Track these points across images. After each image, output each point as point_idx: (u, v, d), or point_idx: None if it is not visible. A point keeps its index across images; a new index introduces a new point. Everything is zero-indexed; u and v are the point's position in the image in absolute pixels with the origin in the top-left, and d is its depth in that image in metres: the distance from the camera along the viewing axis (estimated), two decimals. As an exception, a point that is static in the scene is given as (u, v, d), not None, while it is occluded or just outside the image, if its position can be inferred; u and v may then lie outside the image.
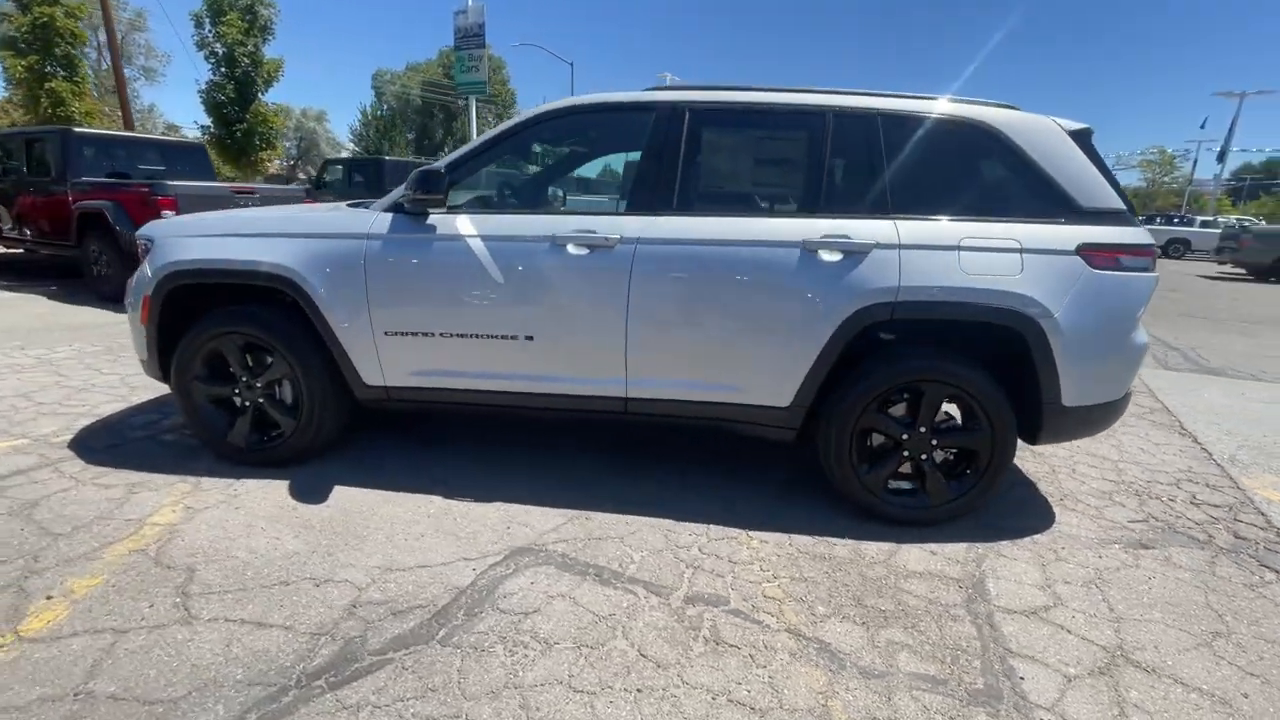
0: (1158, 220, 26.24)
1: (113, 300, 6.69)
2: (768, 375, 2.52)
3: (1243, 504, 2.96)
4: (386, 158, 11.76)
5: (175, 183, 6.24)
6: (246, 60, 16.60)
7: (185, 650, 1.73)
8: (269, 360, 2.78)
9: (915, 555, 2.40)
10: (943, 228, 2.41)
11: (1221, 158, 34.34)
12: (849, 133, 2.50)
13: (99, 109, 18.09)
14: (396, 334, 2.64)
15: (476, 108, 21.20)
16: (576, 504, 2.66)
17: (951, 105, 2.52)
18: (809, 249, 2.40)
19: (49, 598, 1.92)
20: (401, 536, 2.36)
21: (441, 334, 2.62)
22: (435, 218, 2.57)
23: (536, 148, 3.23)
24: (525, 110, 2.67)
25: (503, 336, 2.60)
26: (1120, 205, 2.45)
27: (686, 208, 2.55)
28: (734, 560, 2.32)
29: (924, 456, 2.55)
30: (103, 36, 17.66)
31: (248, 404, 2.82)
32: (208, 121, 18.01)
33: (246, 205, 6.68)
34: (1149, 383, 5.01)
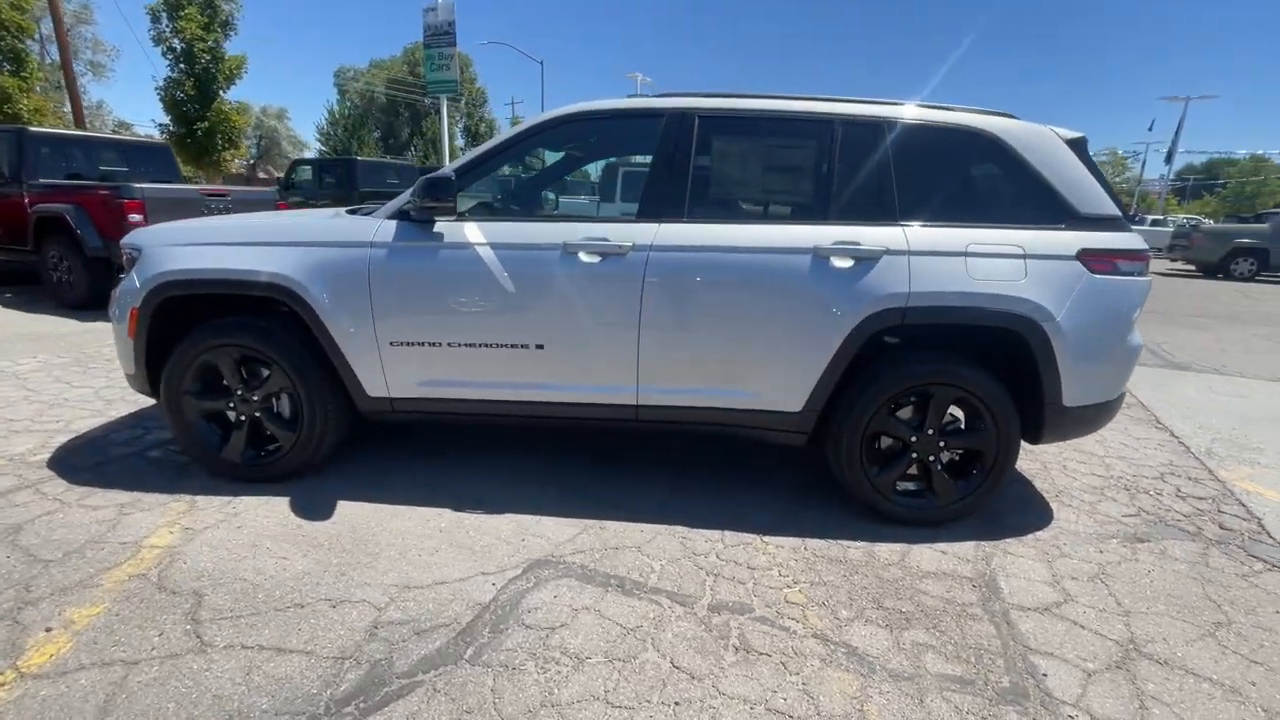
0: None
1: (75, 308, 6.41)
2: (780, 380, 2.54)
3: (1224, 496, 3.10)
4: (358, 158, 11.45)
5: (142, 185, 5.98)
6: (207, 56, 15.99)
7: (203, 680, 1.66)
8: (265, 373, 2.69)
9: (927, 555, 2.44)
10: (950, 234, 2.46)
11: (1169, 159, 35.85)
12: (857, 140, 2.54)
13: (47, 106, 17.26)
14: (402, 344, 2.58)
15: (447, 107, 20.91)
16: (589, 514, 2.64)
17: (955, 114, 2.57)
18: (821, 255, 2.43)
19: (48, 630, 1.82)
20: (415, 552, 2.30)
21: (449, 344, 2.57)
22: (442, 225, 2.52)
23: (541, 153, 3.19)
24: (535, 115, 2.64)
25: (512, 345, 2.56)
26: (1116, 212, 2.54)
27: (697, 214, 2.55)
28: (752, 566, 2.33)
29: (932, 458, 2.59)
30: (47, 28, 16.84)
31: (243, 418, 2.72)
32: (166, 119, 17.32)
33: (218, 209, 6.47)
34: (1122, 378, 5.19)
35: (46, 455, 2.97)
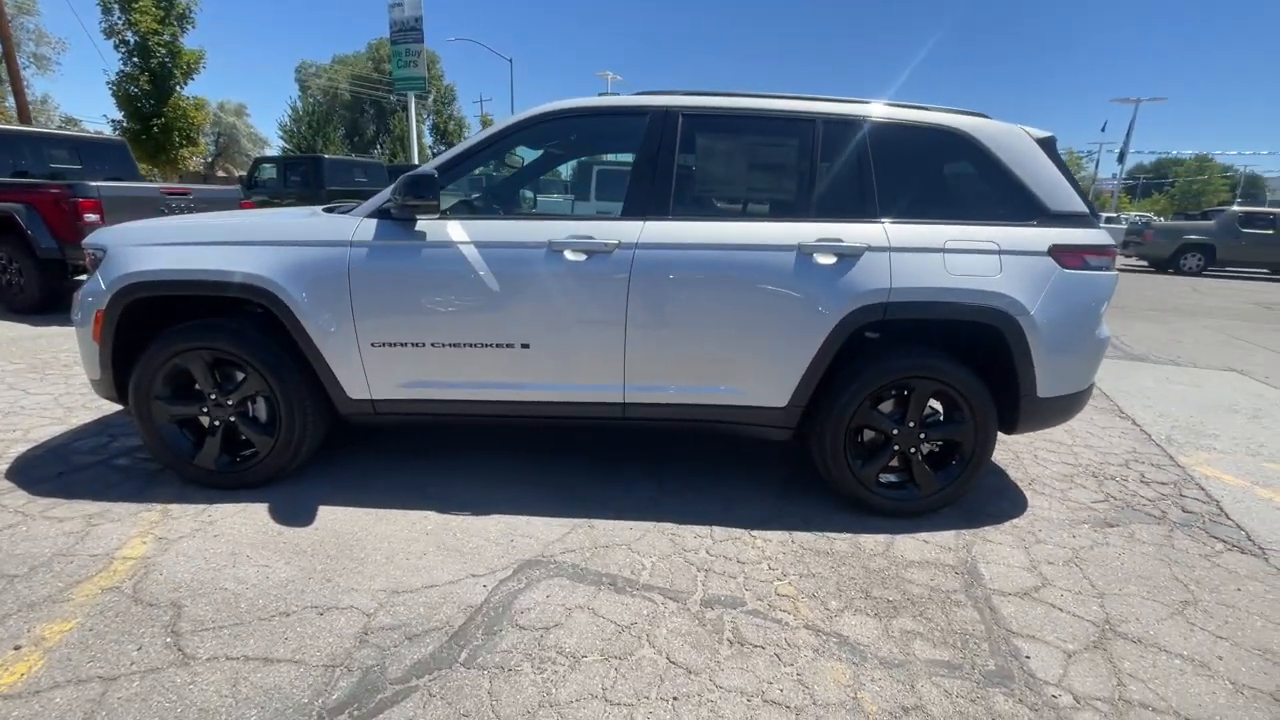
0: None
1: (26, 312, 6.13)
2: (766, 376, 2.57)
3: (1185, 481, 3.23)
4: (325, 155, 11.15)
5: (98, 183, 5.74)
6: (163, 50, 15.38)
7: (188, 694, 1.61)
8: (240, 376, 2.61)
9: (910, 545, 2.49)
10: (928, 230, 2.51)
11: (1121, 158, 37.19)
12: (837, 138, 2.58)
13: (-13, 100, 16.39)
14: (384, 345, 2.53)
15: (415, 104, 20.55)
16: (576, 512, 2.63)
17: (932, 113, 2.63)
18: (805, 252, 2.46)
19: (17, 648, 1.74)
20: (402, 556, 2.26)
21: (433, 344, 2.53)
22: (424, 224, 2.48)
23: (521, 150, 3.16)
24: (518, 112, 2.61)
25: (497, 345, 2.53)
26: (1084, 209, 2.63)
27: (682, 212, 2.56)
28: (742, 560, 2.35)
29: (913, 450, 2.65)
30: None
31: (217, 423, 2.64)
32: (119, 115, 16.58)
33: (180, 208, 6.25)
34: (1086, 370, 5.38)
35: (4, 466, 2.84)
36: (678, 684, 1.73)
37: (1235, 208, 17.57)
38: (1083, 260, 2.56)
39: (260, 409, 2.67)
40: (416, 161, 20.25)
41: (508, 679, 1.71)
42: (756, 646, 1.89)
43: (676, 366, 2.57)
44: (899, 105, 2.66)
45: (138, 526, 2.38)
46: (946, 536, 2.57)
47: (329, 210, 2.81)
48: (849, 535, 2.55)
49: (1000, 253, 2.50)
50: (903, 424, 2.63)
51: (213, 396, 2.61)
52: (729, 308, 2.51)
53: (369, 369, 2.56)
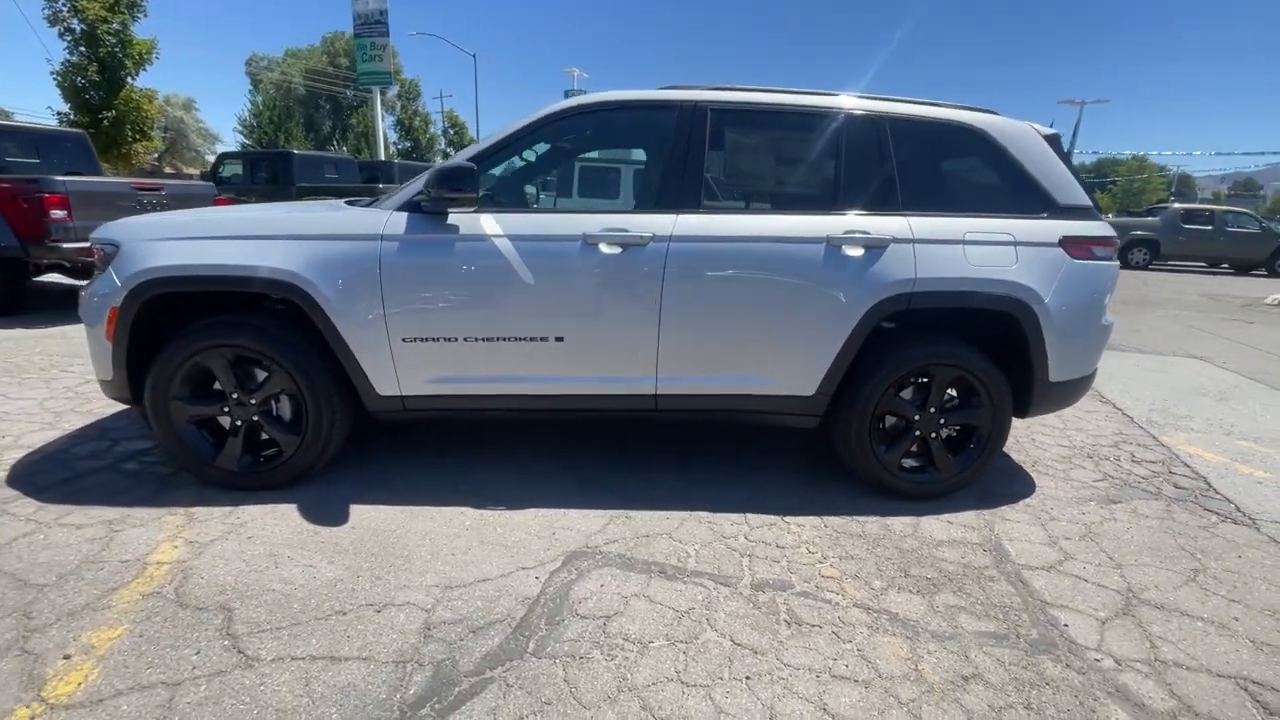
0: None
1: (-14, 314, 5.78)
2: (795, 365, 2.63)
3: (1171, 459, 3.44)
4: (295, 151, 10.76)
5: (65, 178, 5.45)
6: (112, 39, 14.60)
7: (260, 695, 1.57)
8: (262, 374, 2.54)
9: (936, 526, 2.59)
10: (949, 223, 2.61)
11: (1068, 159, 38.85)
12: (861, 133, 2.65)
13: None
14: (415, 340, 2.50)
15: (378, 98, 20.06)
16: (609, 504, 2.64)
17: (948, 110, 2.74)
18: (833, 244, 2.53)
19: (67, 657, 1.67)
20: (447, 552, 2.24)
21: (465, 339, 2.51)
22: (456, 217, 2.46)
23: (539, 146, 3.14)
24: (546, 105, 2.60)
25: (531, 339, 2.53)
26: (1088, 202, 2.77)
27: (711, 205, 2.60)
28: (781, 545, 2.40)
29: (933, 435, 2.75)
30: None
31: (239, 423, 2.56)
32: (66, 107, 15.64)
33: (153, 204, 5.99)
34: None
35: (2, 474, 2.69)
36: (747, 664, 1.77)
37: (1177, 205, 18.60)
38: (1089, 251, 2.70)
39: (284, 407, 2.60)
40: (383, 158, 19.78)
41: (581, 666, 1.73)
42: (814, 626, 1.95)
43: (709, 357, 2.61)
44: (917, 102, 2.75)
45: (164, 531, 2.30)
46: (968, 517, 2.68)
47: (350, 203, 2.75)
48: (877, 518, 2.63)
49: (1016, 244, 2.62)
50: (924, 409, 2.72)
51: (234, 396, 2.53)
52: (760, 299, 2.56)
53: (399, 365, 2.53)
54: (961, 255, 2.57)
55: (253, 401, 2.54)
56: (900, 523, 2.61)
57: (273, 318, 2.54)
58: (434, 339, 2.51)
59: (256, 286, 2.40)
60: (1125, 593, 2.18)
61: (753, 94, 2.67)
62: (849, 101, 2.67)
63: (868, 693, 1.69)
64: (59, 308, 6.23)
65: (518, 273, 2.46)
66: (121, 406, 3.54)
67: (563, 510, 2.58)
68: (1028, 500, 2.87)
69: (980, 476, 2.86)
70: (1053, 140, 2.81)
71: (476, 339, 2.52)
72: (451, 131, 45.67)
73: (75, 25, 14.22)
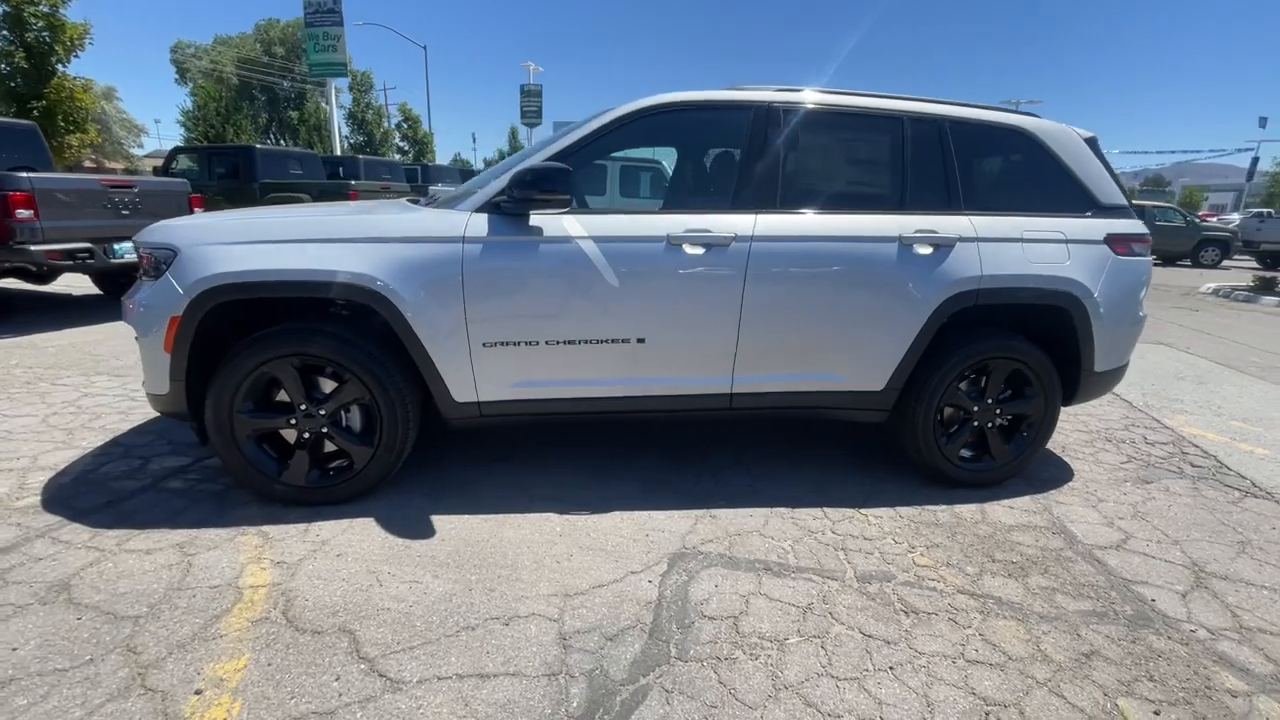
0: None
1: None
2: (867, 361, 2.70)
3: (1180, 440, 3.69)
4: (258, 146, 10.18)
5: (31, 174, 5.01)
6: (40, 22, 13.41)
7: (422, 719, 1.52)
8: (330, 384, 2.43)
9: (1001, 512, 2.71)
10: (1007, 222, 2.73)
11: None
12: (923, 135, 2.73)
13: None
14: (496, 344, 2.44)
15: (325, 89, 19.25)
16: (688, 505, 2.65)
17: (1000, 113, 2.85)
18: (905, 243, 2.60)
19: (199, 692, 1.56)
20: (550, 560, 2.21)
21: (547, 342, 2.46)
22: (539, 219, 2.40)
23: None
24: (621, 105, 2.57)
25: (613, 340, 2.50)
26: (1126, 202, 2.94)
27: (788, 205, 2.63)
28: (867, 537, 2.47)
29: (990, 425, 2.88)
30: None
31: (307, 435, 2.44)
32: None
33: (126, 203, 5.58)
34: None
35: (35, 498, 2.48)
36: (885, 654, 1.82)
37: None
38: (1130, 248, 2.87)
39: (354, 418, 2.50)
40: (338, 151, 18.99)
41: (731, 668, 1.74)
42: (930, 614, 2.01)
43: (785, 355, 2.65)
44: (971, 105, 2.86)
45: (243, 553, 2.17)
46: (1025, 502, 2.82)
47: (413, 203, 2.65)
48: (945, 507, 2.73)
49: (1067, 242, 2.75)
50: (982, 400, 2.84)
51: (303, 407, 2.41)
52: (836, 297, 2.61)
53: (478, 370, 2.46)
54: (1021, 253, 2.69)
55: (322, 412, 2.42)
56: (967, 510, 2.71)
57: (346, 324, 2.43)
58: (515, 343, 2.45)
59: (334, 292, 2.29)
60: (1191, 567, 2.34)
61: (822, 95, 2.71)
62: (910, 105, 2.75)
63: (1005, 675, 1.76)
64: (24, 315, 5.76)
65: (602, 274, 2.43)
66: (137, 422, 3.33)
67: (646, 512, 2.57)
68: (1071, 484, 3.03)
69: (1030, 464, 3.01)
70: (1092, 142, 2.96)
71: (558, 342, 2.47)
72: (406, 125, 44.21)
73: (-3, 6, 13.01)
